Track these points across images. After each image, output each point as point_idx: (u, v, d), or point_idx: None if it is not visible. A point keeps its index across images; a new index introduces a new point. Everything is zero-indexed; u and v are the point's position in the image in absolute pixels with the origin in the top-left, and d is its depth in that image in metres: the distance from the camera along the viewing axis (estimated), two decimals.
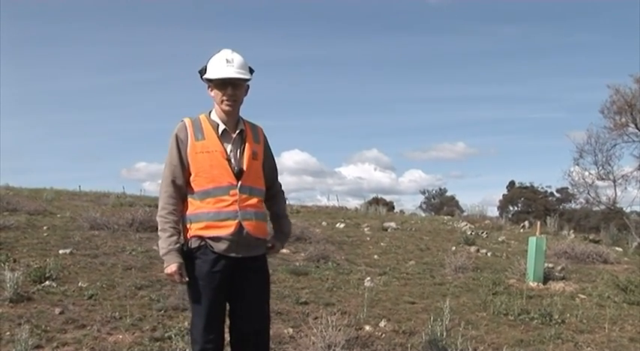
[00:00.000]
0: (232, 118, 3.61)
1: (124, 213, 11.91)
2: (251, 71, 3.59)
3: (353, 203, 25.02)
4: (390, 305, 7.34)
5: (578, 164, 20.26)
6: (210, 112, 3.65)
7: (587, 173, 20.14)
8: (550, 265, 10.17)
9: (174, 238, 3.44)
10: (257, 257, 3.61)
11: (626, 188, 19.69)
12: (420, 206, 60.15)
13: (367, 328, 6.35)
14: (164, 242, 3.43)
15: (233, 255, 3.47)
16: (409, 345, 5.76)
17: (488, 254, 11.98)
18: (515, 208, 57.78)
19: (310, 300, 7.32)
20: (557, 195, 56.09)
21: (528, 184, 58.39)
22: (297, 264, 9.33)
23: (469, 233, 14.66)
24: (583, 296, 8.76)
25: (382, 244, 12.23)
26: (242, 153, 3.57)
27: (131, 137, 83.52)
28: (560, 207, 52.35)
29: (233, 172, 3.49)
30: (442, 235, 14.30)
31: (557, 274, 9.93)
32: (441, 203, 59.99)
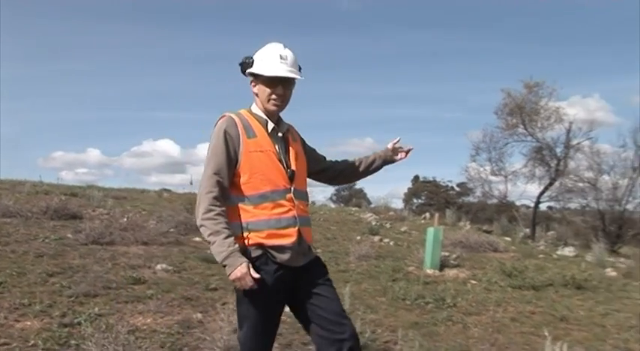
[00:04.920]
0: (276, 116, 3.22)
1: (39, 201, 11.55)
2: (299, 69, 3.21)
3: None
4: None
5: (474, 161, 20.90)
6: (250, 108, 3.24)
7: (482, 169, 20.87)
8: (446, 254, 10.44)
9: (232, 238, 2.91)
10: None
11: (515, 183, 20.47)
12: (331, 198, 60.58)
13: None
14: (221, 245, 2.89)
15: (294, 265, 3.08)
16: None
17: (391, 243, 12.23)
18: (419, 201, 58.81)
19: (220, 286, 7.29)
20: (458, 189, 57.41)
21: (431, 179, 59.55)
22: (208, 252, 9.25)
23: (374, 224, 14.87)
24: (474, 282, 9.07)
25: None
26: (287, 153, 3.20)
27: (47, 127, 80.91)
28: (460, 200, 53.64)
29: (286, 174, 3.12)
30: (349, 226, 14.45)
31: (452, 261, 10.22)
32: (350, 195, 60.35)
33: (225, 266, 2.90)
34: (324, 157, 3.58)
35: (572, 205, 19.92)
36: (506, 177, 20.35)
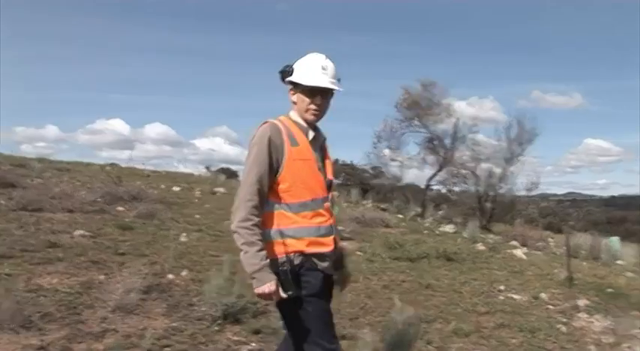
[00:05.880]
0: (313, 125, 2.89)
1: None
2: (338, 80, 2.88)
3: (204, 171, 24.66)
4: (196, 258, 7.24)
5: (376, 147, 21.29)
6: (289, 115, 2.89)
7: (382, 155, 21.26)
8: (341, 228, 10.42)
9: (264, 252, 2.62)
10: None
11: (410, 168, 20.96)
12: None
13: (170, 276, 6.24)
14: (254, 257, 2.59)
15: (329, 273, 2.83)
16: (199, 290, 5.71)
17: None
18: (338, 182, 59.22)
19: (128, 251, 7.09)
20: (371, 172, 58.02)
21: (349, 162, 60.04)
22: (127, 220, 9.01)
23: None
24: (359, 253, 9.09)
25: (207, 205, 12.00)
26: (324, 162, 2.92)
27: (10, 104, 78.23)
28: (373, 181, 54.30)
29: (325, 183, 2.84)
30: None
31: (345, 235, 10.20)
32: None
33: (253, 278, 2.62)
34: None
35: (457, 188, 20.43)
36: (402, 162, 20.74)
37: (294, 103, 2.86)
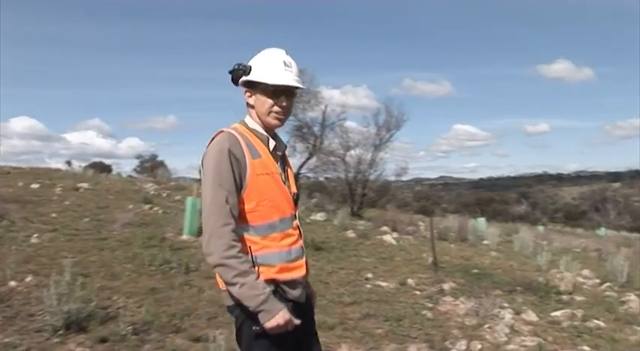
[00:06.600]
0: (273, 132, 2.50)
1: None
2: None
3: (75, 166, 23.19)
4: (46, 260, 6.67)
5: None
6: (245, 122, 2.48)
7: None
8: None
9: (262, 280, 2.24)
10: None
11: (289, 156, 20.95)
12: (135, 169, 58.48)
13: (12, 283, 5.71)
14: (254, 288, 2.19)
15: (301, 301, 2.43)
16: (41, 298, 5.20)
17: (160, 212, 11.50)
18: None
19: None
20: None
21: None
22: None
23: (151, 193, 14.18)
24: None
25: (66, 202, 11.19)
26: (287, 174, 2.52)
27: None
28: None
29: (292, 198, 2.47)
30: (127, 195, 13.48)
31: None
32: (152, 167, 58.76)
33: (260, 312, 2.20)
34: None
35: (329, 176, 20.55)
36: None
37: (252, 107, 2.46)
